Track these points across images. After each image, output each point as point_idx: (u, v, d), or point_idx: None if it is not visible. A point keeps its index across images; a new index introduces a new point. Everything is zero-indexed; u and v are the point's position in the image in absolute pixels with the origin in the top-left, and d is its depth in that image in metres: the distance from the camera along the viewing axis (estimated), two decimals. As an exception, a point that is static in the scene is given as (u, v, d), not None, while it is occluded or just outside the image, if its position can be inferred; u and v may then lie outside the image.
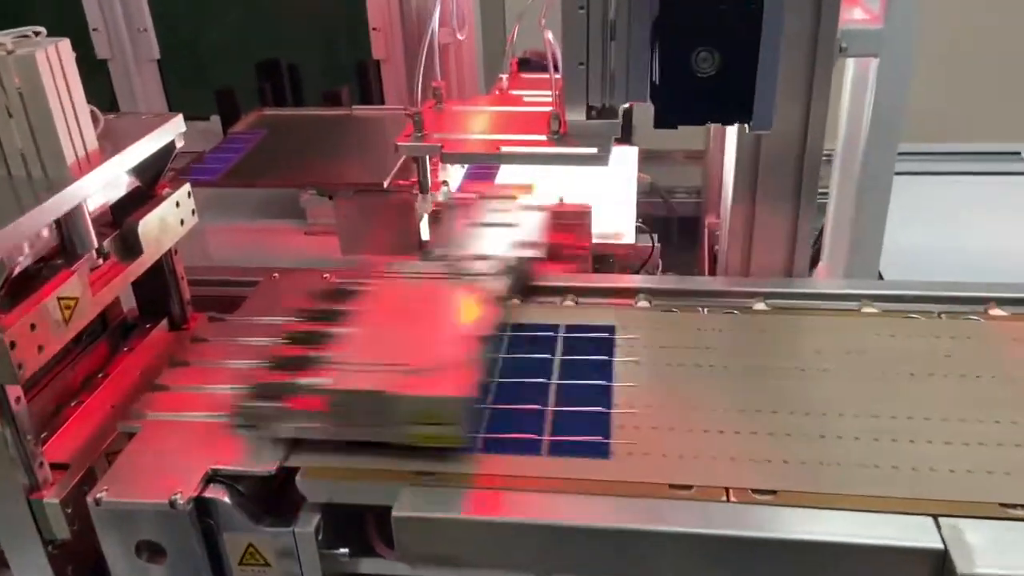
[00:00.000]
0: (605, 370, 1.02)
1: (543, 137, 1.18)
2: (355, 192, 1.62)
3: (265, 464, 0.89)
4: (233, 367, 1.04)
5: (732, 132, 1.34)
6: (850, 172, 1.43)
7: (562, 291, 1.19)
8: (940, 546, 0.77)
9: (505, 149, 1.23)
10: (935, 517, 0.79)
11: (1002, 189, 2.14)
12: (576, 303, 1.17)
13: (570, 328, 1.10)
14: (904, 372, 0.99)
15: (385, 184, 1.47)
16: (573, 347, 1.06)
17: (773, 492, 0.83)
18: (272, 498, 0.92)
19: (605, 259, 1.40)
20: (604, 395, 0.97)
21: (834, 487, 0.83)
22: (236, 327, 1.13)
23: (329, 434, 0.89)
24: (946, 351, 1.02)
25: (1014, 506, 0.80)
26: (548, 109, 1.18)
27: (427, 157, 1.37)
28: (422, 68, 1.27)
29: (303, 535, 0.88)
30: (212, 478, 0.89)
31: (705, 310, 1.14)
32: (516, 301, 1.18)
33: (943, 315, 1.10)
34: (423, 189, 1.40)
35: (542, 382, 1.00)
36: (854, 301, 1.15)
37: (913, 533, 0.78)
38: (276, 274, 1.25)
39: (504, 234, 1.24)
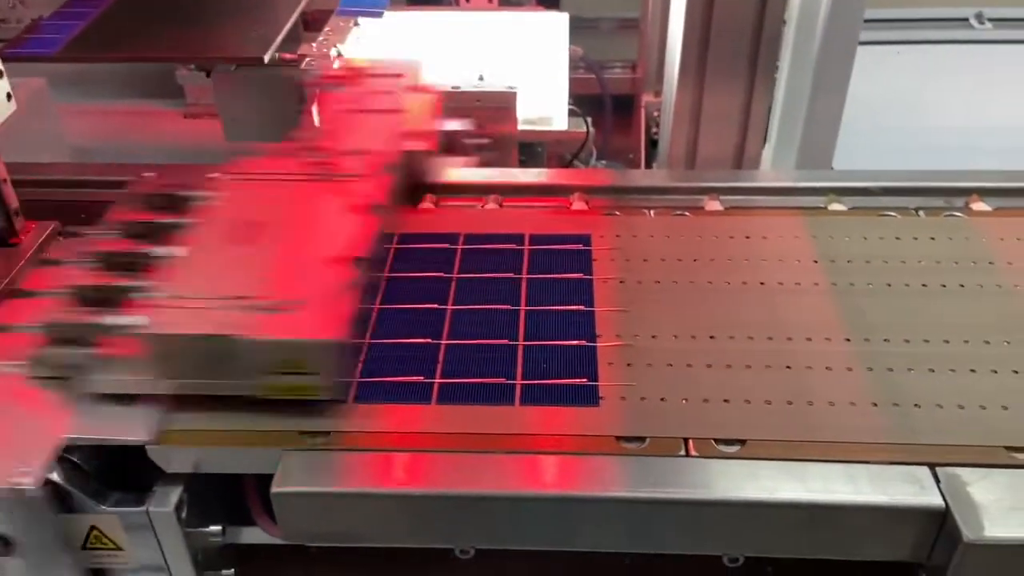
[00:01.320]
0: (585, 293, 0.84)
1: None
2: (236, 67, 1.37)
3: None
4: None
5: (680, -7, 1.14)
6: (807, 42, 1.24)
7: (483, 190, 1.00)
8: (939, 503, 0.64)
9: None
10: (932, 467, 0.66)
11: (952, 59, 1.99)
12: (500, 205, 0.98)
13: (534, 239, 0.91)
14: (882, 284, 0.84)
15: (266, 58, 1.22)
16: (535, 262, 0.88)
17: (741, 442, 0.69)
18: (126, 467, 0.73)
19: (532, 148, 1.21)
20: (586, 323, 0.80)
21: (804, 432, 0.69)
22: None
23: (156, 388, 0.70)
24: (933, 256, 0.87)
25: (1022, 450, 0.67)
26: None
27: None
28: None
29: (160, 515, 0.70)
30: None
31: (651, 211, 0.96)
32: (430, 204, 0.98)
33: (921, 211, 0.96)
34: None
35: (505, 309, 0.82)
36: (819, 196, 0.99)
37: (905, 488, 0.65)
38: (151, 173, 1.01)
39: (386, 122, 0.99)
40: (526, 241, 0.90)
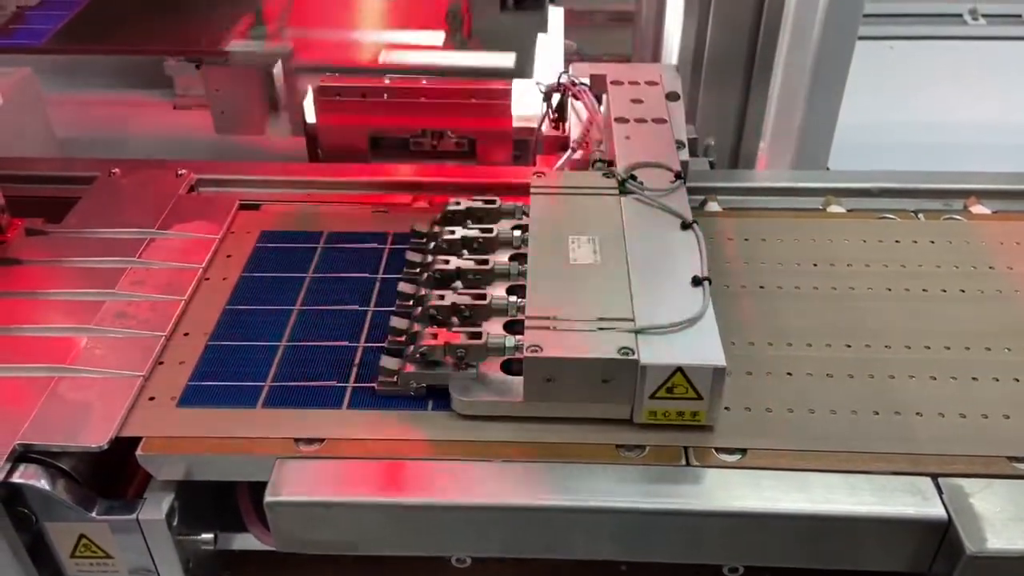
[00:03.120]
0: None
1: (440, 35, 0.89)
2: (227, 60, 1.35)
3: (93, 435, 0.68)
4: (57, 300, 0.81)
5: (678, -11, 1.13)
6: (804, 40, 1.23)
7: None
8: (942, 515, 0.63)
9: (387, 58, 0.95)
10: (934, 477, 0.65)
11: (945, 55, 1.99)
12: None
13: None
14: (882, 288, 0.83)
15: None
16: None
17: (742, 451, 0.68)
18: (111, 473, 0.72)
19: (526, 144, 1.19)
20: None
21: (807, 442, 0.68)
22: (61, 243, 0.88)
23: (532, 411, 0.69)
24: (934, 260, 0.86)
25: (1023, 460, 0.67)
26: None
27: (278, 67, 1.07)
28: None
29: (150, 523, 0.69)
30: (22, 456, 0.67)
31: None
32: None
33: (920, 214, 0.95)
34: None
35: None
36: (817, 197, 0.99)
37: (907, 498, 0.64)
38: (116, 170, 0.99)
39: (660, 132, 0.92)
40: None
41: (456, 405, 0.70)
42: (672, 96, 0.99)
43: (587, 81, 1.01)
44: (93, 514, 0.68)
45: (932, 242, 0.89)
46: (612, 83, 1.01)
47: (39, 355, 0.75)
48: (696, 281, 0.73)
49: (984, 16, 2.06)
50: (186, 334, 0.79)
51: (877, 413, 0.71)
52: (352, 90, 1.12)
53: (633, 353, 0.66)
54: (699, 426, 0.68)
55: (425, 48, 0.93)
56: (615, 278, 0.74)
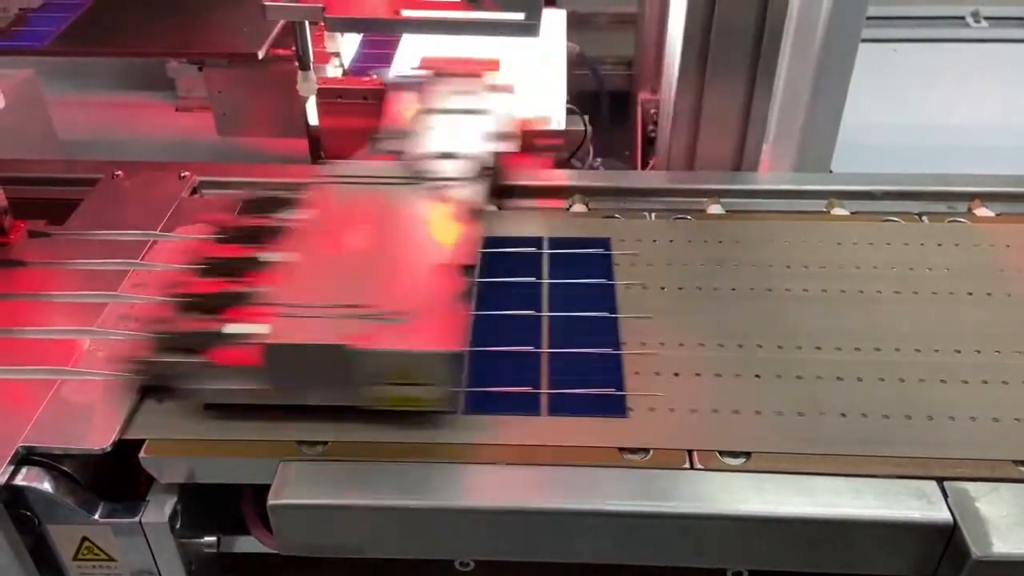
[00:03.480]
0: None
1: (454, -3, 0.91)
2: (229, 62, 1.34)
3: (95, 438, 0.68)
4: (60, 302, 0.81)
5: (681, -9, 1.12)
6: (808, 41, 1.22)
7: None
8: (947, 519, 0.63)
9: (406, 13, 0.97)
10: (940, 481, 0.65)
11: (948, 57, 1.98)
12: (499, 208, 0.96)
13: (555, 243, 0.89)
14: (891, 291, 0.83)
15: (260, 54, 1.20)
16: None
17: (747, 454, 0.67)
18: (114, 475, 0.71)
19: (528, 148, 1.19)
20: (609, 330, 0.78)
21: (815, 445, 0.68)
22: (63, 246, 0.88)
23: (268, 397, 0.68)
24: (942, 263, 0.86)
25: (1030, 463, 0.67)
26: (461, -42, 0.92)
27: (306, 23, 1.09)
28: None
29: (153, 526, 0.68)
30: (25, 458, 0.67)
31: (652, 215, 0.95)
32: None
33: (925, 217, 0.95)
34: (303, 65, 1.12)
35: (529, 315, 0.80)
36: (821, 199, 0.98)
37: (913, 503, 0.64)
38: (119, 172, 0.99)
39: (474, 123, 0.95)
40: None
41: (195, 394, 0.69)
42: (500, 88, 1.01)
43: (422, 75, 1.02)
44: (96, 517, 0.68)
45: (939, 245, 0.89)
46: (439, 75, 1.02)
47: (42, 357, 0.75)
48: (456, 270, 0.73)
49: (987, 19, 2.05)
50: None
51: (887, 417, 0.71)
52: (354, 92, 1.12)
53: (366, 340, 0.65)
54: (437, 412, 0.69)
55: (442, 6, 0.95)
56: (374, 266, 0.74)
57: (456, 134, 0.92)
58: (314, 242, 0.77)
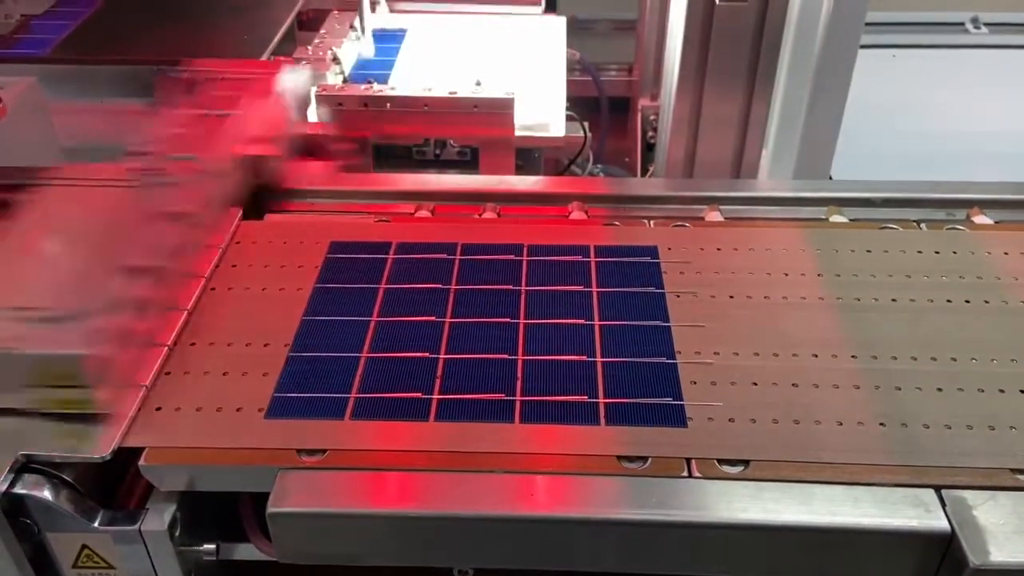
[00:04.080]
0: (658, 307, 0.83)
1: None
2: (230, 69, 1.35)
3: (95, 447, 0.68)
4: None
5: (679, 1, 1.13)
6: (807, 48, 1.23)
7: (480, 198, 0.98)
8: (945, 527, 0.63)
9: None
10: (938, 489, 0.65)
11: (948, 64, 1.99)
12: (498, 214, 0.97)
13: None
14: (887, 299, 0.83)
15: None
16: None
17: (745, 462, 0.68)
18: (113, 483, 0.72)
19: (529, 154, 1.19)
20: (665, 339, 0.79)
21: (811, 453, 0.68)
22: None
23: None
24: (939, 271, 0.86)
25: (1028, 472, 0.67)
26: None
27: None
28: None
29: (153, 534, 0.69)
30: (24, 466, 0.67)
31: (651, 222, 0.95)
32: (427, 212, 0.96)
33: (923, 224, 0.95)
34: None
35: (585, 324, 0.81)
36: (820, 206, 0.99)
37: (910, 511, 0.64)
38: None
39: (222, 126, 0.94)
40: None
41: None
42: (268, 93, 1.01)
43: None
44: (95, 524, 0.68)
45: (937, 252, 0.89)
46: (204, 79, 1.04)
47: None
48: (132, 272, 0.74)
49: (986, 25, 2.06)
50: (192, 344, 0.79)
51: (883, 425, 0.71)
52: (353, 99, 1.12)
53: (19, 342, 0.66)
54: (97, 414, 0.69)
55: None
56: (56, 268, 0.75)
57: (200, 137, 0.92)
58: (11, 243, 0.78)
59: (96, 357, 0.67)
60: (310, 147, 1.08)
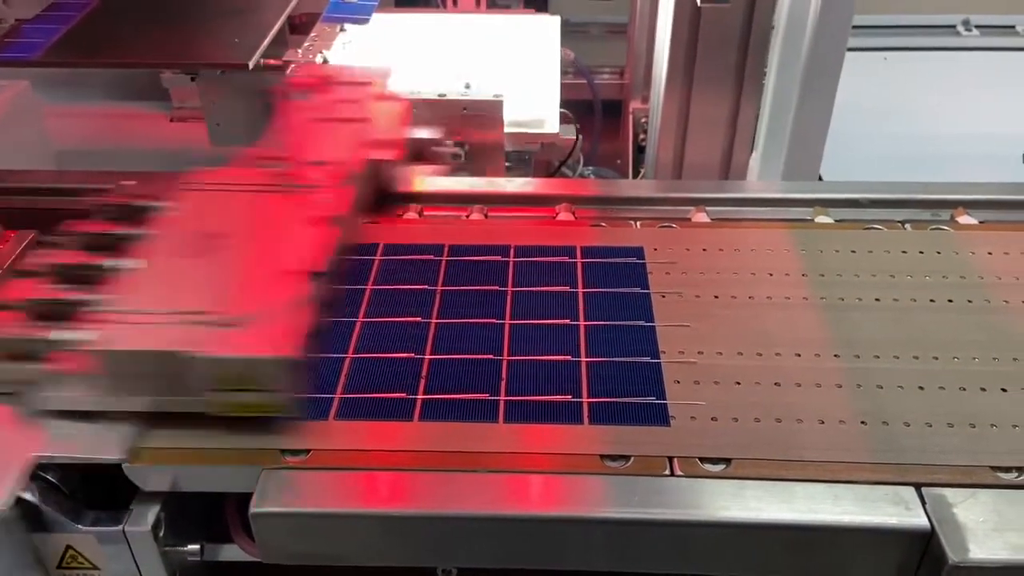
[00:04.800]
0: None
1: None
2: (222, 72, 1.35)
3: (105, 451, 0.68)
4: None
5: (667, 4, 1.13)
6: (795, 49, 1.23)
7: (467, 200, 0.99)
8: (925, 524, 0.63)
9: None
10: (918, 487, 0.66)
11: (939, 66, 1.99)
12: (485, 216, 0.97)
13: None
14: (871, 299, 0.84)
15: (250, 64, 1.20)
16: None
17: (727, 461, 0.68)
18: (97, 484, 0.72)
19: (520, 154, 1.20)
20: (649, 339, 0.79)
21: (793, 451, 0.69)
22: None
23: (108, 405, 0.69)
24: (923, 271, 0.86)
25: (1007, 469, 0.67)
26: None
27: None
28: None
29: (137, 534, 0.69)
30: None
31: (638, 223, 0.95)
32: (414, 214, 0.97)
33: (908, 224, 0.95)
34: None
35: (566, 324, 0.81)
36: (806, 207, 0.99)
37: (891, 509, 0.64)
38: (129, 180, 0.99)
39: (350, 131, 0.96)
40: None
41: (33, 402, 0.69)
42: (384, 98, 1.02)
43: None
44: (80, 525, 0.69)
45: (921, 252, 0.90)
46: (321, 84, 1.04)
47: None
48: (307, 277, 0.73)
49: (977, 27, 2.07)
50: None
51: (864, 423, 0.71)
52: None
53: (200, 346, 0.66)
54: (278, 416, 0.69)
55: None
56: (222, 273, 0.74)
57: (330, 142, 0.93)
58: (165, 249, 0.78)
59: (285, 361, 0.67)
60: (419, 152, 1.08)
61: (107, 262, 0.76)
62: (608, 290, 0.85)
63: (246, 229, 0.80)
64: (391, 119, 1.00)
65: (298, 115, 1.00)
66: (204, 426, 0.69)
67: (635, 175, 1.57)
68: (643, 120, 1.61)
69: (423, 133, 1.07)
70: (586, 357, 0.77)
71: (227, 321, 0.68)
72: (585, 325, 0.81)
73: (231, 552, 0.75)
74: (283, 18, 1.35)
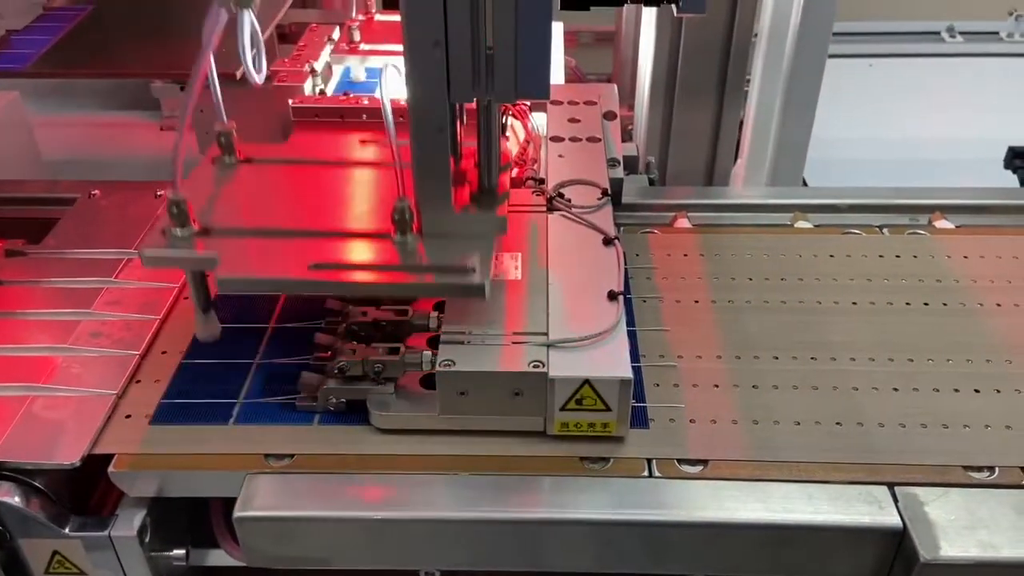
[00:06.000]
0: None
1: (386, 237, 0.71)
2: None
3: (66, 453, 0.69)
4: (34, 319, 0.82)
5: (650, 13, 1.15)
6: (777, 57, 1.25)
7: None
8: (897, 523, 0.64)
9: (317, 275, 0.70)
10: (891, 486, 0.67)
11: (924, 72, 2.01)
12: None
13: None
14: (848, 302, 0.85)
15: (237, 74, 1.21)
16: None
17: (704, 462, 0.69)
18: (84, 490, 0.73)
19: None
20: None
21: (769, 453, 0.70)
22: (39, 264, 0.90)
23: (449, 424, 0.70)
24: (899, 275, 0.88)
25: (979, 468, 0.68)
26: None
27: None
28: None
29: (123, 539, 0.70)
30: (-2, 474, 0.69)
31: (620, 229, 0.96)
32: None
33: (885, 229, 0.97)
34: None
35: None
36: (786, 213, 1.00)
37: (864, 508, 0.66)
38: (96, 191, 1.01)
39: (595, 152, 0.96)
40: None
41: (374, 419, 0.71)
42: (609, 115, 1.03)
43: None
44: (66, 531, 0.69)
45: (897, 256, 0.91)
46: (551, 103, 1.04)
47: (16, 374, 0.76)
48: (612, 296, 0.75)
49: (961, 34, 2.09)
50: (164, 352, 0.80)
51: (840, 424, 0.72)
52: (329, 111, 1.13)
53: (543, 366, 0.67)
54: (610, 437, 0.70)
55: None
56: (534, 293, 0.76)
57: (580, 162, 0.94)
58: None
59: (625, 380, 0.67)
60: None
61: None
62: None
63: (566, 256, 0.81)
64: (615, 137, 1.01)
65: (535, 134, 1.00)
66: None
67: (622, 182, 1.58)
68: (629, 127, 1.62)
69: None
70: None
71: (565, 342, 0.70)
72: None
73: (217, 556, 0.76)
74: (271, 27, 1.36)
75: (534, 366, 0.68)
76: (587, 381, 0.67)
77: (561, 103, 1.05)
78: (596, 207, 0.87)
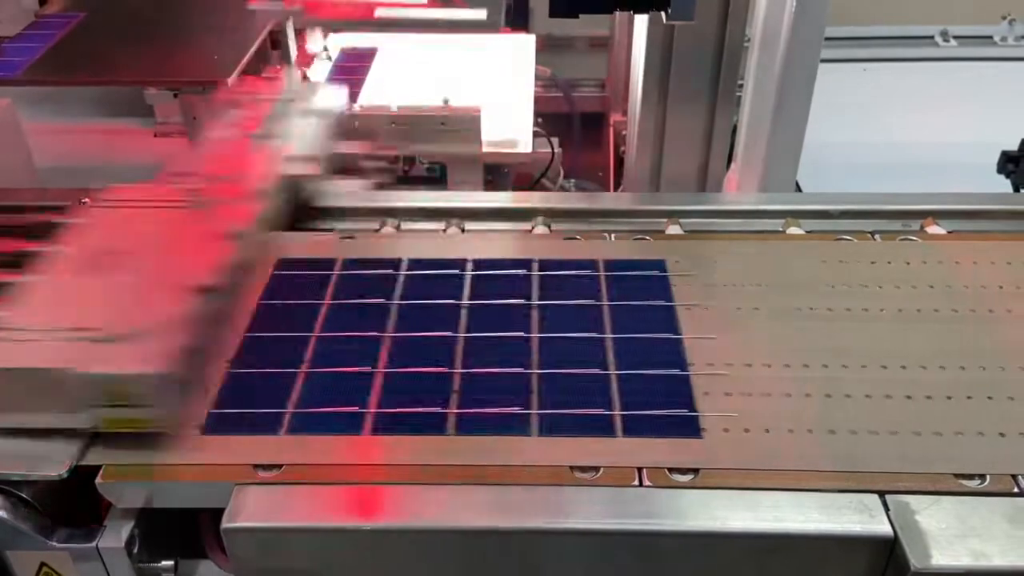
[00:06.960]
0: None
1: None
2: (204, 88, 1.36)
3: (53, 465, 0.69)
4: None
5: (642, 19, 1.15)
6: (770, 61, 1.25)
7: (443, 214, 1.00)
8: (888, 531, 0.64)
9: (380, 13, 0.99)
10: (882, 495, 0.67)
11: (918, 77, 2.02)
12: (463, 230, 0.98)
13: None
14: (841, 309, 0.85)
15: (229, 81, 1.22)
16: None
17: (695, 471, 0.69)
18: (72, 501, 0.72)
19: (498, 169, 1.21)
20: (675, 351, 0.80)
21: (761, 461, 0.70)
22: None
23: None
24: (892, 281, 0.88)
25: (971, 476, 0.68)
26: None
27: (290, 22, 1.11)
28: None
29: (111, 551, 0.69)
30: (-17, 485, 0.68)
31: (612, 236, 0.96)
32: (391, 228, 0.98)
33: (878, 235, 0.96)
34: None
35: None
36: (779, 219, 1.00)
37: (854, 516, 0.65)
38: (86, 199, 1.00)
39: (264, 146, 0.97)
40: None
41: None
42: (310, 112, 1.04)
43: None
44: (53, 542, 0.69)
45: (890, 263, 0.91)
46: (234, 102, 1.06)
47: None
48: (198, 291, 0.74)
49: (955, 38, 2.09)
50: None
51: (833, 432, 0.72)
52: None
53: (74, 362, 0.66)
54: (161, 433, 0.69)
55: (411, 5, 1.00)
56: (115, 288, 0.75)
57: (243, 158, 0.94)
58: (64, 266, 0.78)
59: (156, 376, 0.67)
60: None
61: (11, 279, 0.77)
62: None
63: (148, 245, 0.81)
64: (313, 134, 1.02)
65: (216, 131, 1.01)
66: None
67: (616, 187, 1.58)
68: (623, 132, 1.62)
69: (351, 147, 1.08)
70: (615, 370, 0.78)
71: (108, 337, 0.69)
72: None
73: (206, 568, 0.75)
74: (263, 34, 1.36)
75: (63, 363, 0.66)
76: (118, 377, 0.67)
77: (252, 101, 1.07)
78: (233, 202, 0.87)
